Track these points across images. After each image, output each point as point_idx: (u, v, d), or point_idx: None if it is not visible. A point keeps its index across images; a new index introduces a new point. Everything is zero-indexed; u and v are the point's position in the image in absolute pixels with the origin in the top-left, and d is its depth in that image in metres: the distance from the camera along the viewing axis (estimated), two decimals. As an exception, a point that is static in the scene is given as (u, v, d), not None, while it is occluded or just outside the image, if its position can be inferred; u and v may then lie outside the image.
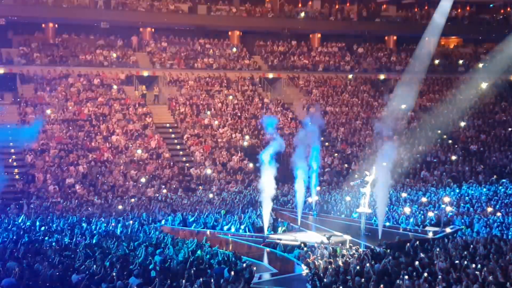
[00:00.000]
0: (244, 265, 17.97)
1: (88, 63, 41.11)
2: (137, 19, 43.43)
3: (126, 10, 42.60)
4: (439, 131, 38.79)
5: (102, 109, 37.73)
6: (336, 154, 36.84)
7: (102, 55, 41.98)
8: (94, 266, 16.70)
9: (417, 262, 16.93)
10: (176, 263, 17.42)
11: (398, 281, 15.57)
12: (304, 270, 18.56)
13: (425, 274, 15.61)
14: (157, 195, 30.75)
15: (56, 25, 42.85)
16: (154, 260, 17.78)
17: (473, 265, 16.27)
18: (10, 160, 32.15)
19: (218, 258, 18.58)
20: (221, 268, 17.21)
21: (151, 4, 43.40)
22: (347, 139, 38.71)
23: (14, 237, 20.33)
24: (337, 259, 18.28)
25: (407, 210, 25.88)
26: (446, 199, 27.38)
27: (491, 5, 50.42)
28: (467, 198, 28.68)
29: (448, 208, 25.93)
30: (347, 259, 18.26)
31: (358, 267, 16.78)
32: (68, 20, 42.06)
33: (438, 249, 18.61)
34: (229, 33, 46.86)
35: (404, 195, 29.63)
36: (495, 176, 33.85)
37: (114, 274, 15.73)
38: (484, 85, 44.03)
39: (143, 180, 32.04)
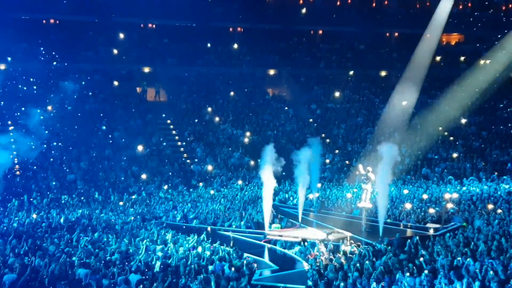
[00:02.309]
0: (245, 261, 17.98)
1: (89, 59, 41.08)
2: (139, 15, 43.39)
3: (128, 6, 42.52)
4: (440, 128, 38.74)
5: (103, 105, 37.72)
6: (337, 151, 36.80)
7: (104, 51, 41.95)
8: (95, 262, 16.71)
9: (417, 259, 16.94)
10: (177, 259, 17.43)
11: (399, 278, 15.59)
12: (304, 267, 18.56)
13: (426, 271, 15.62)
14: (158, 191, 30.74)
15: (58, 21, 42.83)
16: (154, 257, 17.80)
17: (474, 262, 16.29)
18: (11, 156, 32.12)
19: (218, 254, 18.59)
20: (221, 265, 17.22)
21: (153, 0, 43.34)
22: (348, 136, 38.67)
23: (15, 233, 20.33)
24: (338, 255, 18.28)
25: (408, 206, 25.88)
26: (447, 196, 27.38)
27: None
28: (468, 195, 28.69)
29: (449, 205, 25.93)
30: (348, 255, 18.26)
31: (358, 264, 16.78)
32: (69, 16, 42.04)
33: (439, 246, 18.62)
34: (231, 29, 46.80)
35: (405, 191, 29.62)
36: (496, 173, 33.81)
37: (115, 270, 15.75)
38: (485, 82, 43.94)
39: (144, 176, 32.04)
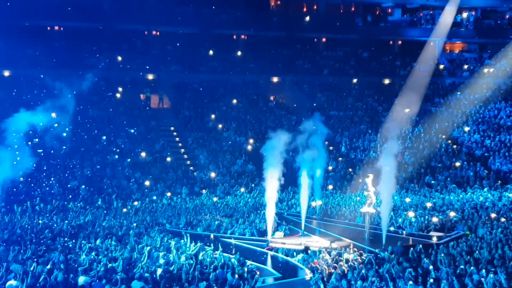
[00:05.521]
0: (247, 269, 17.96)
1: (93, 65, 41.13)
2: (142, 22, 43.46)
3: (132, 13, 42.62)
4: (443, 136, 38.73)
5: (106, 112, 37.78)
6: (340, 159, 36.78)
7: (108, 58, 42.03)
8: (98, 269, 16.70)
9: (421, 267, 16.92)
10: (179, 266, 17.42)
11: (402, 286, 15.58)
12: (307, 275, 18.55)
13: (431, 280, 15.59)
14: (161, 198, 30.74)
15: (62, 28, 42.97)
16: (157, 263, 17.79)
17: (478, 271, 16.26)
18: (15, 162, 32.14)
19: (221, 261, 18.57)
20: (224, 272, 17.19)
21: (157, 8, 43.44)
22: (351, 143, 38.65)
23: (18, 240, 20.36)
24: (341, 263, 18.26)
25: (411, 214, 25.85)
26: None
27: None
28: (471, 203, 28.68)
29: (452, 214, 25.89)
30: (352, 263, 18.24)
31: (363, 271, 16.75)
32: (73, 23, 42.17)
33: (442, 255, 18.59)
34: (234, 36, 46.90)
35: (408, 200, 29.61)
36: (499, 181, 33.77)
37: (117, 277, 15.74)
38: (488, 90, 43.98)
39: (147, 183, 32.05)
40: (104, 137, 35.69)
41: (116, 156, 33.99)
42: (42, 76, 38.82)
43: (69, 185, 31.00)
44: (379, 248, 20.96)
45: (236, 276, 16.76)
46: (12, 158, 29.62)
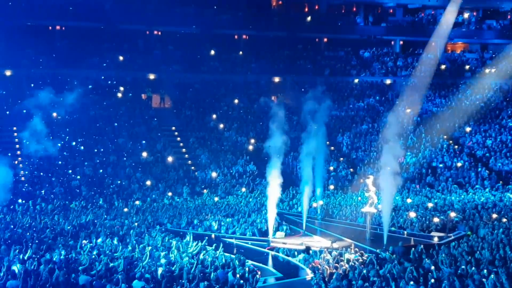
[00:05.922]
0: (248, 269, 17.95)
1: (95, 65, 41.18)
2: (144, 22, 43.46)
3: (133, 13, 42.60)
4: (445, 136, 38.71)
5: (108, 112, 37.79)
6: (341, 159, 36.78)
7: (109, 58, 42.04)
8: (99, 268, 16.71)
9: (422, 268, 16.91)
10: (180, 266, 17.42)
11: (403, 286, 15.59)
12: (308, 275, 18.55)
13: (432, 280, 15.59)
14: (162, 198, 30.74)
15: (63, 28, 42.99)
16: (158, 263, 17.79)
17: (479, 271, 16.25)
18: (16, 162, 32.20)
19: (222, 261, 18.57)
20: (225, 272, 17.19)
21: (158, 8, 43.43)
22: (352, 144, 38.64)
23: (20, 239, 20.36)
24: (343, 263, 18.26)
25: (412, 215, 25.84)
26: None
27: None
28: (473, 203, 28.68)
29: (453, 214, 25.87)
30: (353, 263, 18.24)
31: (364, 271, 16.75)
32: (75, 23, 42.19)
33: (443, 255, 18.58)
34: (236, 36, 46.89)
35: (409, 200, 29.61)
36: (501, 182, 33.75)
37: (119, 276, 15.75)
38: (490, 91, 43.97)
39: (148, 182, 32.06)
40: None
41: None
42: (43, 76, 38.88)
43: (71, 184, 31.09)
44: (380, 248, 20.94)
45: (237, 276, 16.76)
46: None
